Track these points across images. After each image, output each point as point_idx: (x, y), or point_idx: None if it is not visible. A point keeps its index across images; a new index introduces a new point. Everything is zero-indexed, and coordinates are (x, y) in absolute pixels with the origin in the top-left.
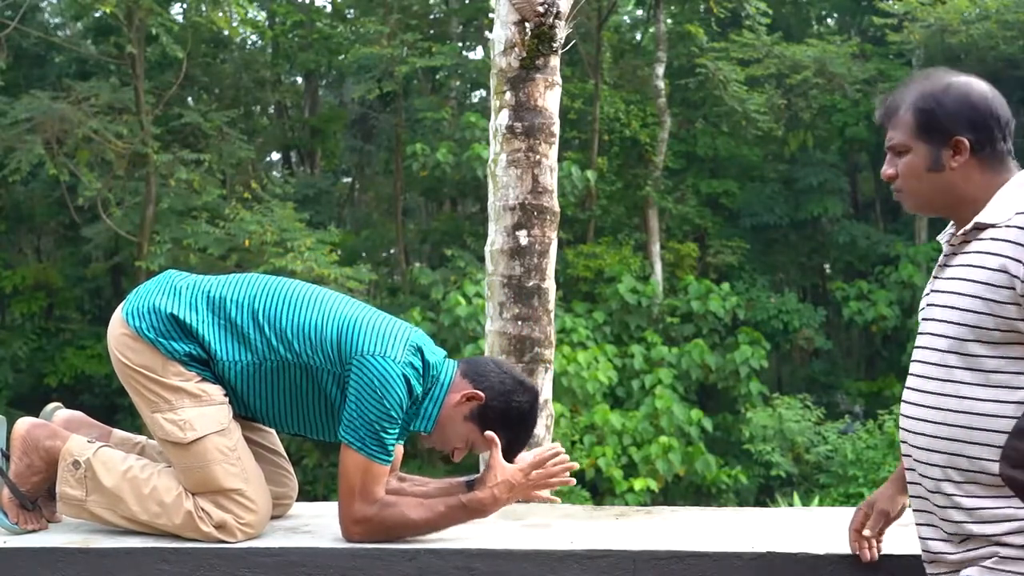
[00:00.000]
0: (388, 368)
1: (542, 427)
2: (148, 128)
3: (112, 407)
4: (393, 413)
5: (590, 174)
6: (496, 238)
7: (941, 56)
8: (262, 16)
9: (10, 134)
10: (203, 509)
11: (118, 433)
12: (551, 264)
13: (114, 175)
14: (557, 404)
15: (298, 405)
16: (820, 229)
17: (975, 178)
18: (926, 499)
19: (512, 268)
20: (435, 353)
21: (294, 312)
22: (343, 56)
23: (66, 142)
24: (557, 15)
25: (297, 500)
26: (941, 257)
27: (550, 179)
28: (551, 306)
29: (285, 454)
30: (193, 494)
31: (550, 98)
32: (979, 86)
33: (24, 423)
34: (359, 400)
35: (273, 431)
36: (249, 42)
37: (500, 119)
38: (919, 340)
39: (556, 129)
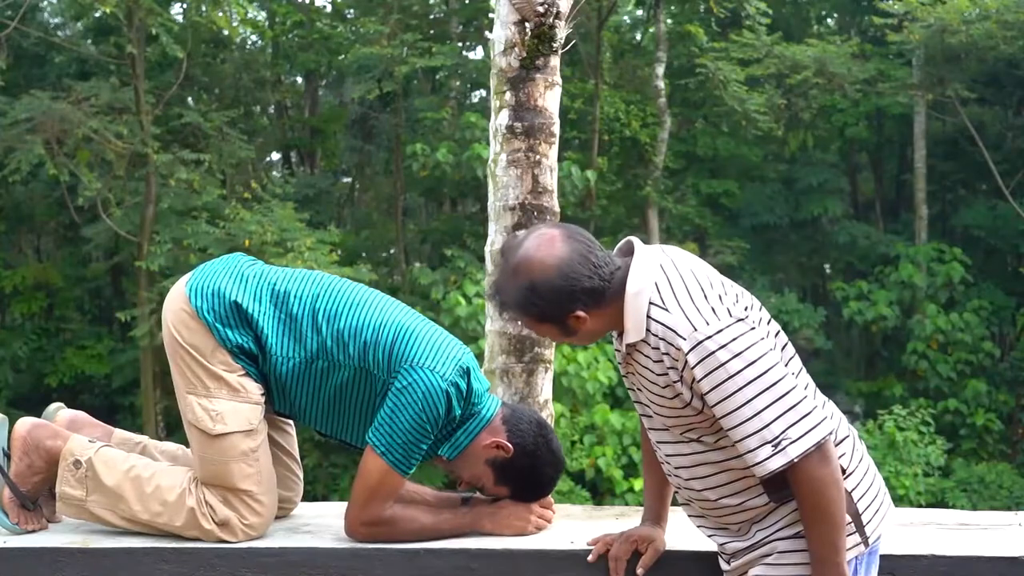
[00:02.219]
0: (434, 382)
1: None
2: (148, 128)
3: (112, 407)
4: (428, 427)
5: (590, 174)
6: (496, 238)
7: (941, 56)
8: (262, 16)
9: (10, 134)
10: (208, 503)
11: (119, 433)
12: None
13: (114, 175)
14: (557, 404)
15: (341, 407)
16: (820, 229)
17: (606, 317)
18: (694, 504)
19: None
20: (481, 382)
21: (354, 314)
22: (343, 56)
23: (66, 142)
24: (557, 15)
25: None
26: (622, 359)
27: (550, 179)
28: None
29: (298, 458)
30: (202, 484)
31: (550, 98)
32: (553, 262)
33: (25, 423)
34: (396, 407)
35: (293, 435)
36: (249, 42)
37: (500, 119)
38: (641, 409)
39: (556, 129)
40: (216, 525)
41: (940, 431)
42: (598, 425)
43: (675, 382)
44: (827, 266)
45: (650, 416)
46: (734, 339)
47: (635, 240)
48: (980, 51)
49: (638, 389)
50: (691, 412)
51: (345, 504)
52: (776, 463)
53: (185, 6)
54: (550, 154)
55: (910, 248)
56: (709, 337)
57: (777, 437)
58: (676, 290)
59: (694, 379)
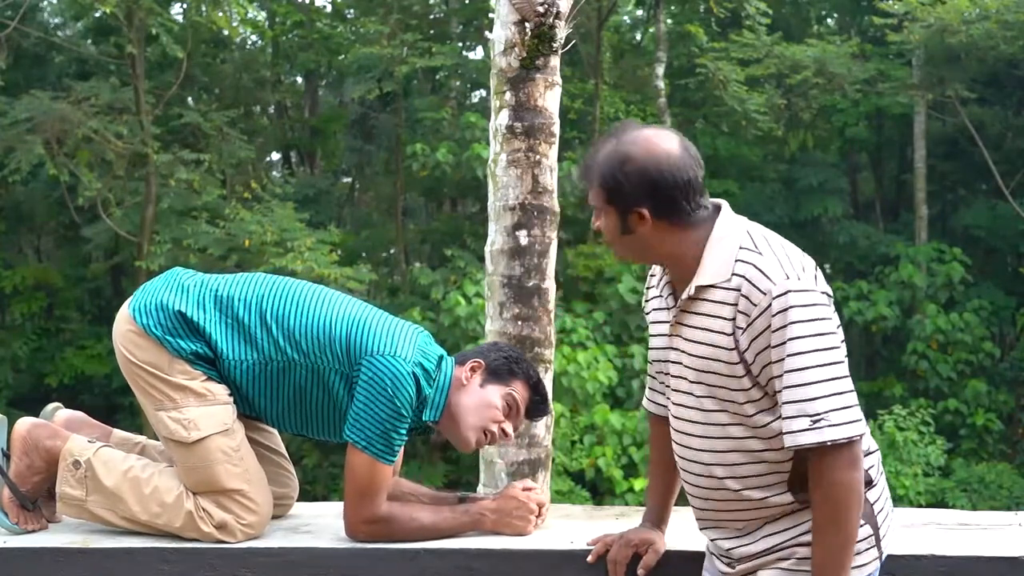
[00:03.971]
0: (399, 367)
1: (542, 427)
2: (148, 128)
3: (112, 407)
4: (403, 411)
5: None
6: (496, 238)
7: (941, 56)
8: (262, 16)
9: (10, 134)
10: (204, 509)
11: (118, 433)
12: (551, 264)
13: (114, 175)
14: (557, 404)
15: (303, 405)
16: (820, 229)
17: (668, 238)
18: (710, 500)
19: (512, 268)
20: (440, 352)
21: (303, 312)
22: (343, 56)
23: (66, 142)
24: (557, 15)
25: (297, 500)
26: (672, 312)
27: (550, 179)
28: (551, 306)
29: (287, 455)
30: (194, 493)
31: (550, 98)
32: (658, 153)
33: (25, 423)
34: (369, 399)
35: (276, 432)
36: (249, 42)
37: (500, 119)
38: (679, 398)
39: (556, 129)
40: (214, 528)
41: (940, 431)
42: (598, 425)
43: (740, 329)
44: (827, 266)
45: (684, 392)
46: (817, 304)
47: (723, 202)
48: (980, 51)
49: (682, 350)
50: (739, 372)
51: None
52: (808, 439)
53: (185, 6)
54: (550, 154)
55: (910, 248)
56: (799, 291)
57: (819, 415)
58: (771, 243)
59: (768, 327)
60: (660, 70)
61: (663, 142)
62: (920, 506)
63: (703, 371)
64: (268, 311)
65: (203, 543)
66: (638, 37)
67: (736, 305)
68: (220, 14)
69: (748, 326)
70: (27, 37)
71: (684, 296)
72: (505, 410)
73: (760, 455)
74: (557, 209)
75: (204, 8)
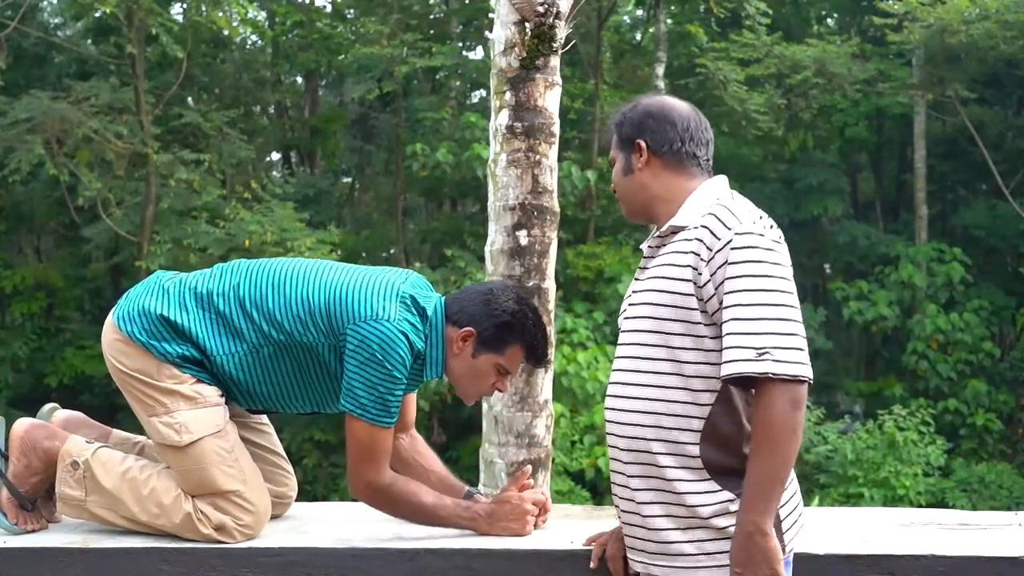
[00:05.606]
0: (386, 330)
1: (542, 427)
2: (148, 128)
3: (112, 407)
4: (396, 374)
5: (590, 174)
6: (496, 238)
7: (941, 56)
8: (262, 16)
9: (10, 134)
10: (202, 511)
11: (117, 433)
12: (551, 264)
13: (114, 175)
14: (557, 404)
15: (304, 383)
16: (820, 229)
17: (661, 177)
18: (628, 497)
19: (512, 268)
20: (428, 299)
21: (280, 292)
22: (343, 56)
23: (66, 142)
24: (557, 15)
25: (297, 500)
26: (642, 261)
27: (550, 179)
28: (551, 306)
29: (284, 454)
30: (192, 496)
31: (550, 98)
32: (666, 102)
33: (23, 424)
34: (359, 366)
35: (272, 431)
36: (249, 42)
37: (500, 119)
38: (623, 338)
39: (556, 129)
40: (213, 530)
41: (940, 431)
42: (598, 425)
43: (702, 262)
44: (827, 266)
45: (632, 331)
46: (773, 251)
47: (724, 176)
48: (980, 51)
49: (643, 290)
50: (692, 304)
51: (345, 504)
52: (750, 368)
53: (185, 6)
54: (550, 154)
55: (910, 248)
56: (760, 235)
57: (764, 348)
58: (746, 204)
59: (725, 261)
60: (660, 70)
61: (674, 99)
62: (920, 506)
63: (657, 304)
64: (246, 298)
65: (203, 543)
66: (638, 37)
67: (702, 241)
68: (220, 14)
69: (710, 260)
70: (27, 37)
71: (656, 234)
72: (498, 375)
73: (679, 394)
74: (557, 209)
75: (204, 8)
